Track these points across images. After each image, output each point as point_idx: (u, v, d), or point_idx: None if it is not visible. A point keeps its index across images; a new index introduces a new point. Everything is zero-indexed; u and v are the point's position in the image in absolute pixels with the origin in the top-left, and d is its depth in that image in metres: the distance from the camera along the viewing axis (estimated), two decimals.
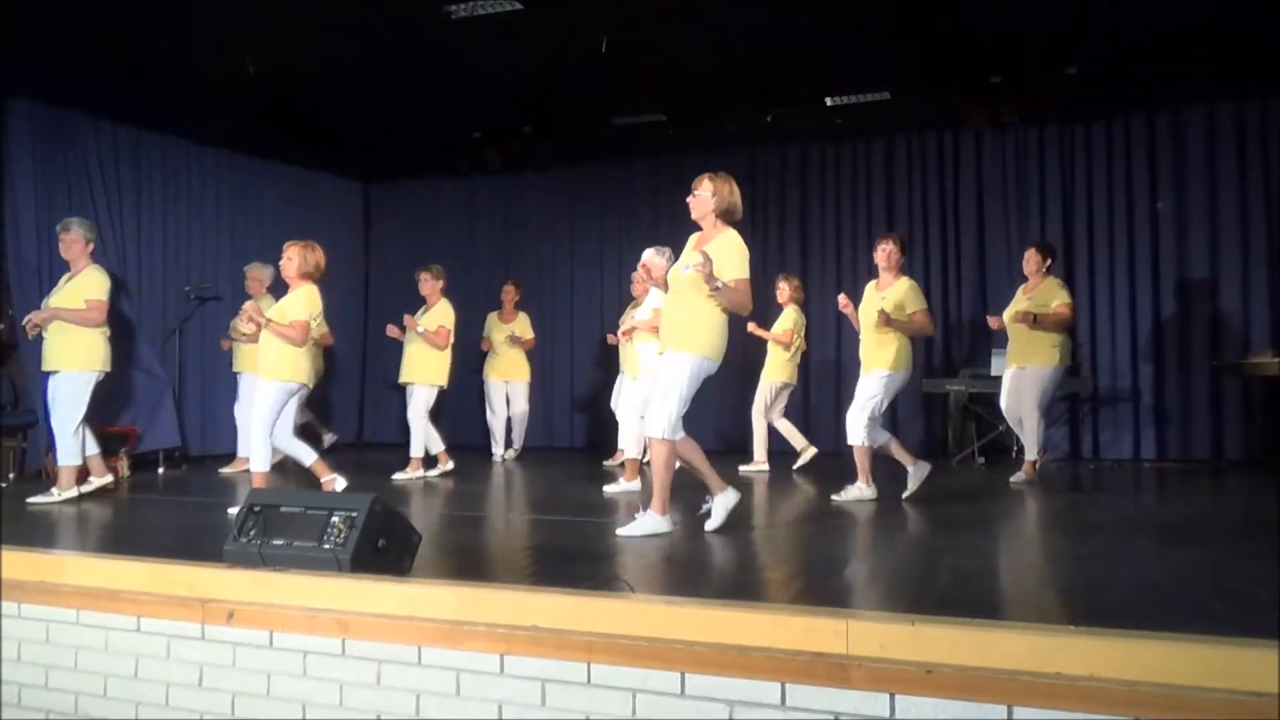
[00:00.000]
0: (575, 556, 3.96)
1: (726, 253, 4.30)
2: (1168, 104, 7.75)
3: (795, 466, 7.25)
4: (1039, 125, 8.12)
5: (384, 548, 3.35)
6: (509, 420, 8.41)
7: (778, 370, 7.27)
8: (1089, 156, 8.07)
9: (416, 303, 9.50)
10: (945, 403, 8.30)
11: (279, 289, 7.29)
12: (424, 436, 6.89)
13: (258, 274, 7.46)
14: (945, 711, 2.35)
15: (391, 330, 7.12)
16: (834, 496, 5.45)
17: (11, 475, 6.58)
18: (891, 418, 8.58)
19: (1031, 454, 6.19)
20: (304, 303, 5.30)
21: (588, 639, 2.74)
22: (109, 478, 5.97)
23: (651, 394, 4.36)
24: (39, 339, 5.70)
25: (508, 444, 8.40)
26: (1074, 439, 8.09)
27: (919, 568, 3.88)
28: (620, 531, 4.29)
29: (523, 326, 8.38)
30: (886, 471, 5.57)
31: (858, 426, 5.40)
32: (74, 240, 5.68)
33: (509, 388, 8.34)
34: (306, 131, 8.96)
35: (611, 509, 5.30)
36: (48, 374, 5.69)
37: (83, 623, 3.43)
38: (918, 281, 5.97)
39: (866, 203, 8.76)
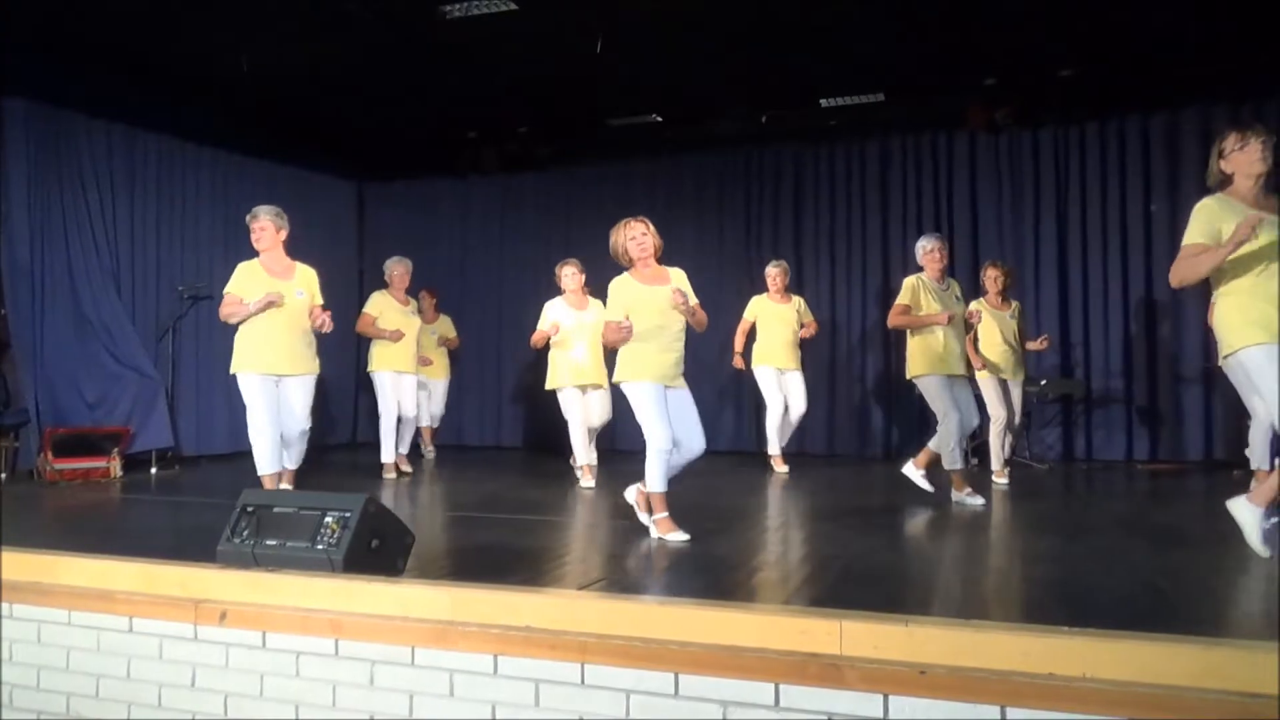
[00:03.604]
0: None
1: None
2: (1162, 106, 7.77)
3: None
4: (1034, 127, 8.14)
5: (377, 548, 3.35)
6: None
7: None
8: (1083, 159, 8.08)
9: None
10: None
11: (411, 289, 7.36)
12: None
13: (400, 269, 7.28)
14: (939, 712, 2.35)
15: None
16: None
17: (3, 475, 6.55)
18: (886, 419, 8.62)
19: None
20: None
21: (581, 639, 2.73)
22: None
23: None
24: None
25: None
26: (1067, 440, 8.11)
27: (913, 568, 3.88)
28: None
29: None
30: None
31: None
32: (263, 228, 5.39)
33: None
34: (300, 130, 8.94)
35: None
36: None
37: (74, 623, 3.42)
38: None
39: (861, 204, 8.77)
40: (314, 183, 9.58)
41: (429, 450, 8.38)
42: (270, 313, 5.19)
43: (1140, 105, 7.82)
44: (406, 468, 7.26)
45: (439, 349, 8.34)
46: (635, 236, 4.69)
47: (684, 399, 4.49)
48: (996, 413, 6.46)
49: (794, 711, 2.48)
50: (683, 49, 6.97)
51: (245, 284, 5.31)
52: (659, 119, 8.83)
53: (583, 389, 6.59)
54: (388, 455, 6.99)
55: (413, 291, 7.55)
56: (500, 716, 2.79)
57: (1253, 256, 3.65)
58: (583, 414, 6.58)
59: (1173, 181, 7.78)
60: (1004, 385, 6.52)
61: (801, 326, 7.41)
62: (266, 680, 3.11)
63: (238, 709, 3.15)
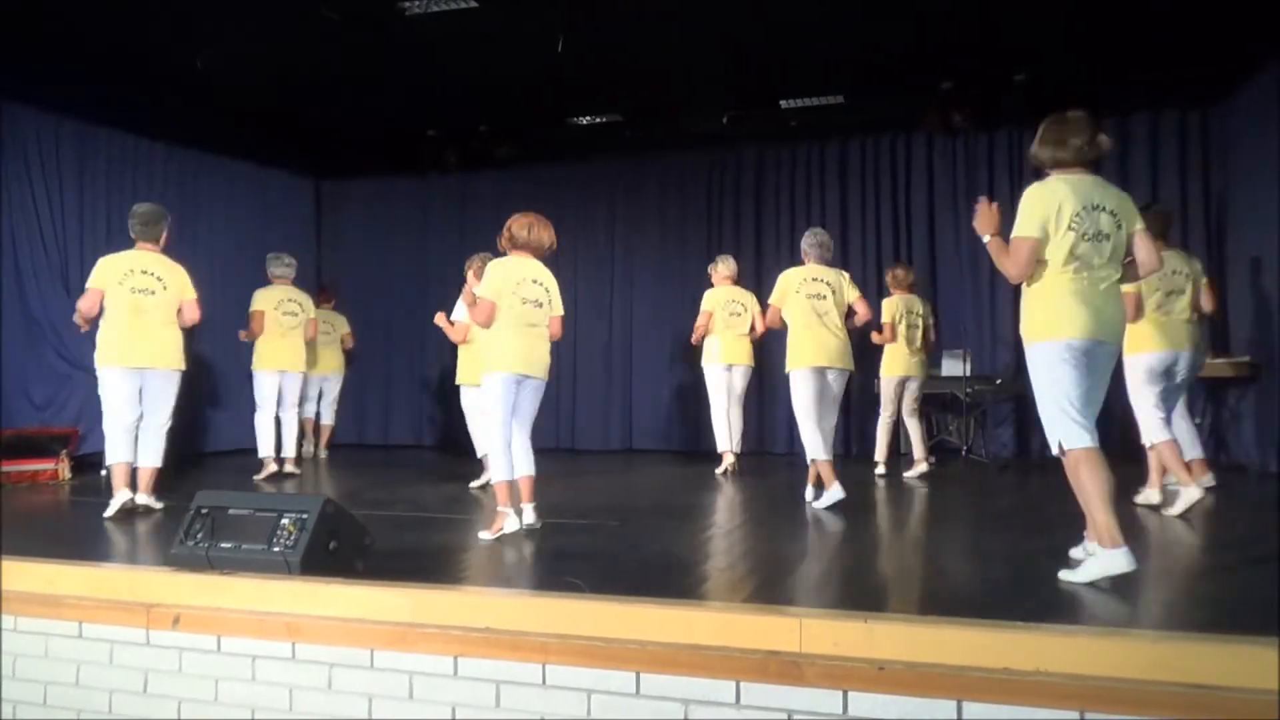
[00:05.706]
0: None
1: None
2: (1113, 111, 7.91)
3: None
4: (989, 130, 8.27)
5: (335, 550, 3.31)
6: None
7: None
8: None
9: (372, 302, 9.37)
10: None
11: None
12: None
13: (272, 269, 7.18)
14: (897, 708, 2.38)
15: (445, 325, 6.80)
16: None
17: None
18: (844, 418, 8.68)
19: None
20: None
21: (542, 640, 2.72)
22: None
23: None
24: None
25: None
26: (1021, 438, 8.23)
27: (872, 565, 3.92)
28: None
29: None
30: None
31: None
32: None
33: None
34: (257, 127, 8.81)
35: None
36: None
37: (21, 629, 3.34)
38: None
39: (821, 204, 8.85)
40: (271, 180, 9.44)
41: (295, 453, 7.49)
42: None
43: (1092, 110, 7.94)
44: (291, 468, 7.07)
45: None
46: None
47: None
48: (884, 408, 6.95)
49: (755, 709, 2.49)
50: (644, 49, 6.97)
51: None
52: (620, 118, 8.82)
53: (470, 387, 6.72)
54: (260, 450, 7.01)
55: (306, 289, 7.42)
56: (460, 718, 2.77)
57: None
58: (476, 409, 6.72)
59: (1122, 184, 7.87)
60: (900, 382, 6.90)
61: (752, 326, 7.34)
62: (221, 685, 3.07)
63: (192, 714, 3.09)
